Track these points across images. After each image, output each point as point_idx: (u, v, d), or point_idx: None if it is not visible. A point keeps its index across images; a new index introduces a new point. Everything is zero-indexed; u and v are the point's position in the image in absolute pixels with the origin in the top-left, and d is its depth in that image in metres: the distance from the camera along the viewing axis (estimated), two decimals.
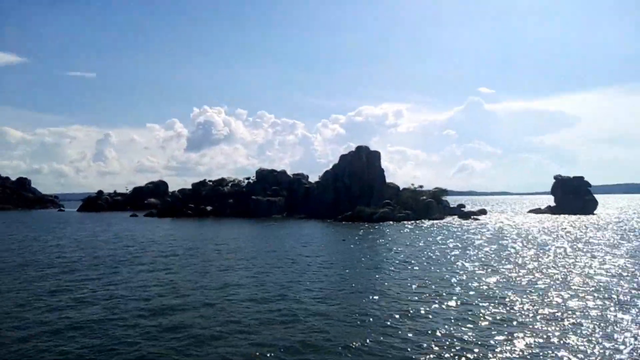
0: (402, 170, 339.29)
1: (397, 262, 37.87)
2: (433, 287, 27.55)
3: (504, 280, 29.57)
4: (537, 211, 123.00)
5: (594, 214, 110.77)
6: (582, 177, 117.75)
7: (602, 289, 26.30)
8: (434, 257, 40.58)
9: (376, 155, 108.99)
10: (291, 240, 55.45)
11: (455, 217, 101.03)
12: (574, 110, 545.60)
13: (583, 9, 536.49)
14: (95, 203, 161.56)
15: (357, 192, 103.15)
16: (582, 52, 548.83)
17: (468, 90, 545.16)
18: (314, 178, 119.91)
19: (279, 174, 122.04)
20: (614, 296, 24.53)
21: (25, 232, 71.90)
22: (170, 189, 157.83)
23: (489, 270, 33.49)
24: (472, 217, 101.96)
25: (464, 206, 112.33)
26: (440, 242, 53.07)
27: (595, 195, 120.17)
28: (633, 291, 25.75)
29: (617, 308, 22.05)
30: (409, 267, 35.02)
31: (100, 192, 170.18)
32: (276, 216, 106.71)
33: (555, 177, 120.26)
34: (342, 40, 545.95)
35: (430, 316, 20.98)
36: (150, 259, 40.56)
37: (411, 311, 21.79)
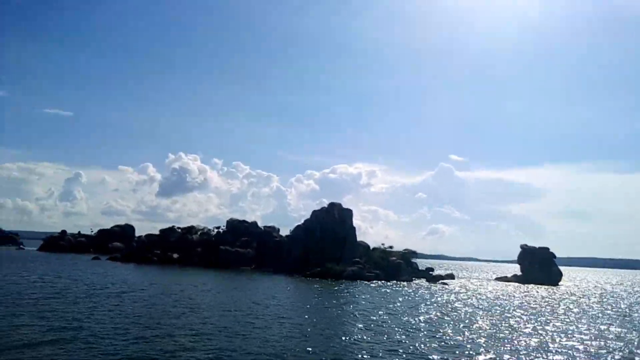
0: (373, 230, 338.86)
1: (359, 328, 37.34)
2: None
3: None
4: (504, 279, 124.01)
5: (559, 285, 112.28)
6: (547, 248, 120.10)
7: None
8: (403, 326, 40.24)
9: (348, 213, 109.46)
10: (247, 295, 54.26)
11: (424, 280, 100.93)
12: (540, 183, 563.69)
13: (555, 87, 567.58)
14: (57, 243, 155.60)
15: (327, 248, 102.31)
16: (550, 128, 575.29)
17: (440, 157, 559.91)
18: (285, 232, 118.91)
19: (250, 225, 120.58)
20: None
21: None
22: (138, 234, 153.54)
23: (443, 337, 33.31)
24: (440, 281, 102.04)
25: (432, 269, 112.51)
26: (413, 308, 52.74)
27: (560, 267, 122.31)
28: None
29: None
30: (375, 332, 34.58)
31: (63, 232, 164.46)
32: (244, 268, 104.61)
33: (522, 247, 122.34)
34: (320, 100, 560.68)
35: None
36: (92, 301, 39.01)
37: None
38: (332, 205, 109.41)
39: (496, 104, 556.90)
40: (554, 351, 29.25)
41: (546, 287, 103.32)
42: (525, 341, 32.26)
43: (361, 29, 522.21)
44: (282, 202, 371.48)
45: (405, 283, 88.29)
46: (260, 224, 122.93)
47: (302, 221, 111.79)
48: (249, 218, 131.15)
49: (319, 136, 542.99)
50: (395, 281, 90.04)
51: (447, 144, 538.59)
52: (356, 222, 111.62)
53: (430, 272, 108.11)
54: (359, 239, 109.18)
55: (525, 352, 28.60)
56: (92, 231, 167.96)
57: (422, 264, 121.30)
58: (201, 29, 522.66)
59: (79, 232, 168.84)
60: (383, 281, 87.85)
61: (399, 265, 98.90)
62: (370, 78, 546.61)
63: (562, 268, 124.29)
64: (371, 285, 79.07)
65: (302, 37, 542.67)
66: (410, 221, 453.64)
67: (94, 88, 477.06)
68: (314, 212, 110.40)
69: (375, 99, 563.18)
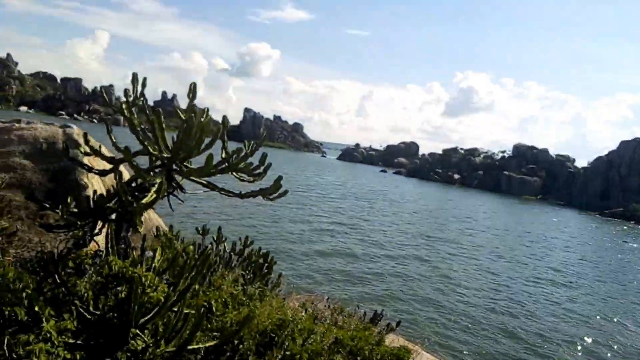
0: None
1: None
2: None
3: None
4: None
5: None
6: None
7: None
8: None
9: None
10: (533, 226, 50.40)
11: None
12: None
13: None
14: (352, 154, 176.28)
15: (635, 187, 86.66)
16: None
17: None
18: (581, 163, 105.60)
19: (539, 152, 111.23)
20: None
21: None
22: (421, 152, 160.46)
23: None
24: None
25: None
26: None
27: None
28: None
29: None
30: None
31: (357, 145, 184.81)
32: (528, 197, 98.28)
33: None
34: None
35: None
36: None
37: None
38: None
39: None
40: None
41: None
42: None
43: None
44: (581, 129, 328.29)
45: None
46: (551, 152, 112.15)
47: (606, 153, 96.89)
48: (539, 144, 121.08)
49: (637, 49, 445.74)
50: None
51: None
52: None
53: None
54: None
55: None
56: (380, 146, 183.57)
57: None
58: None
59: (370, 145, 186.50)
60: None
61: None
62: None
63: None
64: None
65: None
66: None
67: (390, 8, 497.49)
68: (623, 142, 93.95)
69: None
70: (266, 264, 6.21)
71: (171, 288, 3.35)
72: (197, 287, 4.73)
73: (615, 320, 18.90)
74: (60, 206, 3.95)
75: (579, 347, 15.10)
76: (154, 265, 3.72)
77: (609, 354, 15.06)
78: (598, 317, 18.98)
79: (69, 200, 4.20)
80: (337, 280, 17.91)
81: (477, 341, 13.78)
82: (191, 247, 5.52)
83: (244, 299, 4.66)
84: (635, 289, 25.54)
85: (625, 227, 63.50)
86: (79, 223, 4.03)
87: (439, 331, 14.05)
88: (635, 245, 45.10)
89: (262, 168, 5.05)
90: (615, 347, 15.79)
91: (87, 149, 5.19)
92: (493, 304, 18.14)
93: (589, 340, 15.98)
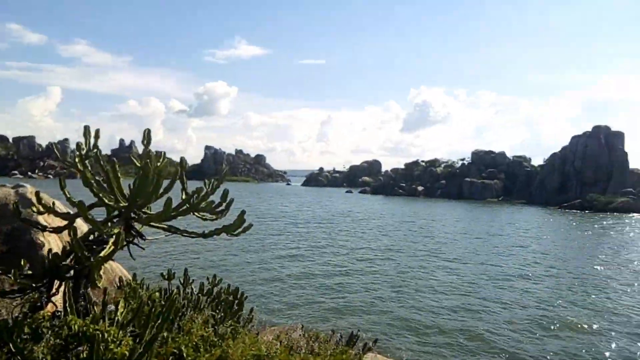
0: None
1: None
2: None
3: None
4: None
5: None
6: None
7: None
8: None
9: (618, 137, 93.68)
10: (490, 224, 51.67)
11: None
12: None
13: None
14: (317, 179, 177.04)
15: (590, 178, 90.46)
16: None
17: None
18: (537, 162, 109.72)
19: (496, 155, 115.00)
20: None
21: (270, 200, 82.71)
22: (384, 169, 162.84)
23: None
24: None
25: None
26: None
27: None
28: None
29: None
30: None
31: (321, 169, 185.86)
32: (491, 200, 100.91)
33: None
34: (575, 5, 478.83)
35: None
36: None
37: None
38: (597, 128, 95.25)
39: None
40: None
41: None
42: None
43: None
44: (534, 130, 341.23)
45: None
46: (508, 154, 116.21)
47: (559, 149, 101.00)
48: (496, 148, 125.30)
49: (579, 49, 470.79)
50: None
51: None
52: (631, 147, 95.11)
53: None
54: (633, 167, 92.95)
55: None
56: (344, 167, 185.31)
57: None
58: None
59: (334, 168, 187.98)
60: None
61: None
62: None
63: None
64: None
65: None
66: None
67: (341, 36, 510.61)
68: (574, 137, 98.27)
69: None
70: (237, 301, 6.14)
71: (137, 340, 3.29)
72: (165, 334, 4.63)
73: (581, 302, 19.43)
74: (12, 270, 3.83)
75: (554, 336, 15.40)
76: (117, 318, 3.65)
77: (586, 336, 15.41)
78: (564, 298, 19.46)
79: (22, 263, 4.08)
80: (308, 305, 17.78)
81: (450, 348, 13.91)
82: (157, 294, 5.42)
83: (215, 339, 4.59)
84: (590, 267, 26.40)
85: (581, 217, 65.96)
86: (33, 285, 3.91)
87: (415, 343, 14.11)
88: (588, 232, 47.32)
89: (224, 205, 5.04)
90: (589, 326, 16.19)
91: (41, 208, 5.07)
92: (461, 308, 18.34)
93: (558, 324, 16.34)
